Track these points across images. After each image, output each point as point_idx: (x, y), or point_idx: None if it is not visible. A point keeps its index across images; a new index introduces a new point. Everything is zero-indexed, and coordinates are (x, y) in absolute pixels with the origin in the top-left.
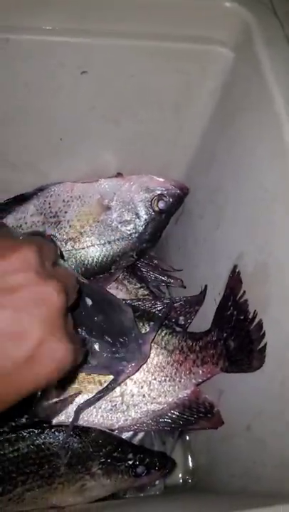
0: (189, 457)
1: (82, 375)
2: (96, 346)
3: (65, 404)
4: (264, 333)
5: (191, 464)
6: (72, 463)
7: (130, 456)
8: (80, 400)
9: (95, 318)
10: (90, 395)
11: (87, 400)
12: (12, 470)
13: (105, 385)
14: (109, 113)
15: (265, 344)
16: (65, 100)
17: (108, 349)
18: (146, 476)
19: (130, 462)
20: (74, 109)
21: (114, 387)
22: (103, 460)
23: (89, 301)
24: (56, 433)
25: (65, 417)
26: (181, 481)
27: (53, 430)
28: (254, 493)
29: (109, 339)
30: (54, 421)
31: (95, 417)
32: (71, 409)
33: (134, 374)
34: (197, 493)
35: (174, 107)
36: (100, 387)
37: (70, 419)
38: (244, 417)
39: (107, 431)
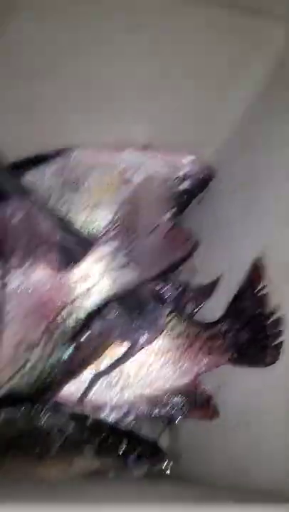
0: (177, 444)
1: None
2: (114, 313)
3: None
4: (281, 330)
5: (177, 452)
6: (65, 445)
7: (123, 443)
8: (91, 371)
9: None
10: (102, 367)
11: (100, 371)
12: (2, 444)
13: (119, 355)
14: (149, 81)
15: (282, 341)
16: (104, 58)
17: (126, 317)
18: (135, 463)
19: (122, 449)
20: (113, 71)
21: (128, 358)
22: (96, 445)
23: None
24: (54, 415)
25: (74, 388)
26: (164, 467)
27: (52, 411)
28: (242, 489)
29: (128, 308)
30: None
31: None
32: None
33: (148, 345)
34: (180, 481)
35: (217, 83)
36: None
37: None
38: (244, 413)
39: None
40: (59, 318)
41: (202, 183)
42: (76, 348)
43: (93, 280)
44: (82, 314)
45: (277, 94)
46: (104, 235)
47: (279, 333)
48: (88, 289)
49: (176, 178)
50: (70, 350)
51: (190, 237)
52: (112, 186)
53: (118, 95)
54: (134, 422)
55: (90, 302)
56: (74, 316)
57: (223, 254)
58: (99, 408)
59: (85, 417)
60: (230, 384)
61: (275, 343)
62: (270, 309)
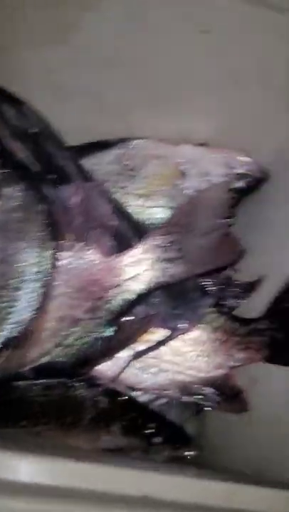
0: (203, 432)
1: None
2: (157, 300)
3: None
4: None
5: (202, 440)
6: (95, 419)
7: (151, 425)
8: (128, 352)
9: None
10: (140, 348)
11: (138, 352)
12: (37, 411)
13: (159, 339)
14: (214, 79)
15: None
16: (174, 54)
17: (169, 304)
18: (160, 445)
19: (149, 431)
20: (180, 66)
21: (166, 343)
22: (125, 423)
23: None
24: (89, 388)
25: (111, 365)
26: (186, 454)
27: (87, 385)
28: (266, 478)
29: (172, 295)
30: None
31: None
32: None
33: (186, 333)
34: (202, 467)
35: (280, 86)
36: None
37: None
38: (275, 409)
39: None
40: (105, 298)
41: (255, 184)
42: (118, 329)
43: (143, 267)
44: (128, 297)
45: None
46: (161, 227)
47: None
48: (137, 275)
49: (232, 176)
50: (111, 330)
51: (239, 245)
52: (167, 178)
53: (183, 92)
54: (164, 405)
55: (137, 287)
56: (119, 297)
57: (268, 256)
58: (132, 388)
59: (118, 395)
60: (263, 381)
61: None
62: None
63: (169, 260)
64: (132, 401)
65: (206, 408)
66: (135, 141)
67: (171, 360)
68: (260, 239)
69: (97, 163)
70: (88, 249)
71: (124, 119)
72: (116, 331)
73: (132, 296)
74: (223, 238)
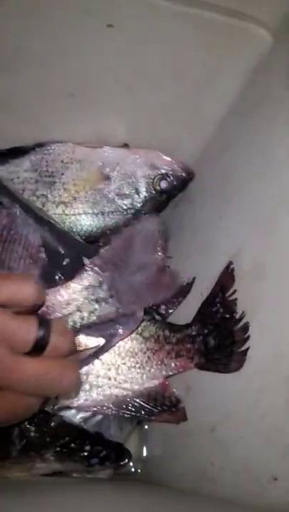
0: (144, 447)
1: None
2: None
3: None
4: (248, 336)
5: (144, 454)
6: (25, 449)
7: (87, 447)
8: None
9: None
10: None
11: None
12: None
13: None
14: (127, 78)
15: (248, 348)
16: (83, 53)
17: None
18: (99, 466)
19: (86, 454)
20: (90, 65)
21: (105, 352)
22: (58, 449)
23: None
24: None
25: None
26: (132, 469)
27: None
28: (206, 495)
29: None
30: None
31: None
32: None
33: (124, 339)
34: (145, 484)
35: (196, 83)
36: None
37: None
38: (210, 417)
39: (69, 420)
40: None
41: (181, 183)
42: None
43: (71, 308)
44: None
45: (257, 97)
46: (92, 266)
47: (246, 340)
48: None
49: (155, 177)
50: None
51: (177, 279)
52: (89, 182)
53: (98, 93)
54: (102, 421)
55: None
56: None
57: (199, 257)
58: (66, 407)
59: (47, 421)
60: (198, 387)
61: (242, 349)
62: (238, 315)
63: (98, 301)
64: (63, 425)
65: (144, 420)
66: (53, 146)
67: (104, 375)
68: (191, 240)
69: (13, 171)
70: None
71: (37, 124)
72: None
73: None
74: (158, 273)
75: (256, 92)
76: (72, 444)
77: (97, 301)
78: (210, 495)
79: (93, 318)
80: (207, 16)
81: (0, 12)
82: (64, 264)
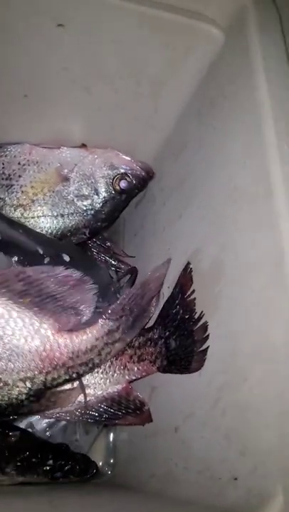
0: (111, 450)
1: None
2: None
3: None
4: (208, 336)
5: (112, 457)
6: None
7: (50, 462)
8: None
9: None
10: None
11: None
12: None
13: None
14: (82, 77)
15: (207, 347)
16: (34, 53)
17: None
18: (62, 479)
19: (48, 468)
20: (43, 65)
21: None
22: (19, 464)
23: (67, 258)
24: None
25: None
26: (100, 472)
27: None
28: (171, 497)
29: None
30: None
31: None
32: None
33: None
34: (113, 487)
35: (152, 82)
36: None
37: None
38: (173, 418)
39: (30, 432)
40: (47, 373)
41: (141, 182)
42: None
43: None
44: (70, 378)
45: (212, 96)
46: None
47: (205, 339)
48: (90, 360)
49: (115, 177)
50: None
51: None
52: (48, 184)
53: (53, 93)
54: (66, 427)
55: (82, 370)
56: (63, 377)
57: (160, 258)
58: (29, 413)
59: (6, 436)
60: (162, 387)
61: (201, 348)
62: (197, 314)
63: (112, 343)
64: (22, 439)
65: (109, 425)
66: (9, 147)
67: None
68: (153, 240)
69: None
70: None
71: None
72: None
73: (74, 377)
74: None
75: (211, 90)
76: (34, 459)
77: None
78: (175, 496)
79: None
80: (161, 16)
81: None
82: (45, 263)
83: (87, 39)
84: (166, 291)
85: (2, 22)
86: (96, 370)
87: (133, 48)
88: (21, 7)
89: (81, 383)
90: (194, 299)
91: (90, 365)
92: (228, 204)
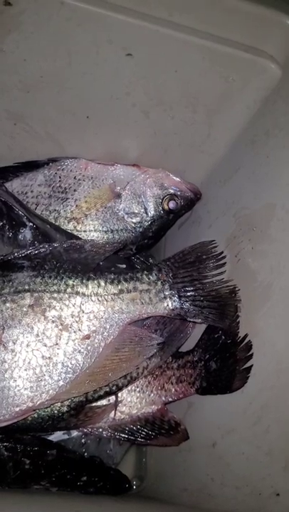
0: (143, 462)
1: None
2: None
3: None
4: (252, 354)
5: (142, 468)
6: (21, 478)
7: (83, 478)
8: None
9: None
10: None
11: None
12: None
13: None
14: (143, 102)
15: (251, 365)
16: (102, 78)
17: None
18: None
19: (82, 484)
20: (109, 90)
21: None
22: (54, 479)
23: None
24: (11, 451)
25: None
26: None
27: (8, 447)
28: (205, 509)
29: None
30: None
31: None
32: None
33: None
34: (142, 499)
35: (208, 111)
36: None
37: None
38: (210, 434)
39: (66, 449)
40: None
41: (188, 203)
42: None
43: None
44: None
45: (267, 126)
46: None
47: (249, 357)
48: None
49: (164, 197)
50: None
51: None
52: (100, 200)
53: (114, 115)
54: (100, 438)
55: None
56: None
57: None
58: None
59: (42, 455)
60: (199, 403)
61: (245, 367)
62: (240, 335)
63: (149, 357)
64: (59, 459)
65: (142, 445)
66: (66, 161)
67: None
68: None
69: (27, 185)
70: None
71: (53, 141)
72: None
73: (114, 390)
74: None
75: (266, 121)
76: (68, 476)
77: (149, 357)
78: (209, 509)
79: (146, 372)
80: (223, 50)
81: (27, 37)
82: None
83: (152, 68)
84: None
85: (76, 47)
86: (133, 389)
87: (194, 79)
88: (97, 34)
89: (116, 399)
90: (238, 322)
91: (128, 378)
92: (278, 230)
